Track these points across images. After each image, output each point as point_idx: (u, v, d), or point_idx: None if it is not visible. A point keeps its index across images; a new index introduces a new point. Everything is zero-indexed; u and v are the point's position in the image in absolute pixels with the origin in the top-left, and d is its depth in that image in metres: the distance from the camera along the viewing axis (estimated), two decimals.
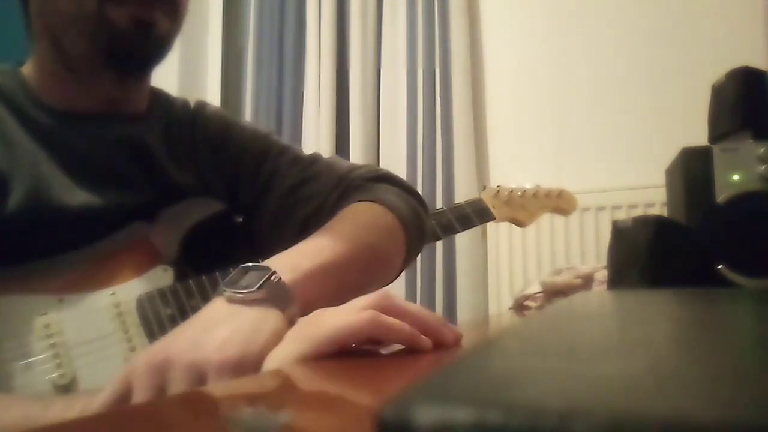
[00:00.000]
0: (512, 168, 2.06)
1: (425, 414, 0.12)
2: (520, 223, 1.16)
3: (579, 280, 0.88)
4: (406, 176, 2.09)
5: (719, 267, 0.58)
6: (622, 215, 1.81)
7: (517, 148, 2.06)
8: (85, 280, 0.61)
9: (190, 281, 0.64)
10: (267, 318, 0.47)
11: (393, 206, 0.71)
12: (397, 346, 0.43)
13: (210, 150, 0.77)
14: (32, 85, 0.67)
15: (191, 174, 0.74)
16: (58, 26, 0.64)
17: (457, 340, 0.45)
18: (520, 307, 0.93)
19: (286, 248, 0.58)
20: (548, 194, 1.19)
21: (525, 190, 1.16)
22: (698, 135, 0.73)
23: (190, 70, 2.44)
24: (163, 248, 0.66)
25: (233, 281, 0.50)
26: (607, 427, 0.11)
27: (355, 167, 0.80)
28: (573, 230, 1.88)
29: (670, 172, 0.72)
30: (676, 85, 1.82)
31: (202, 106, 0.81)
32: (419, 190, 1.66)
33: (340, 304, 0.45)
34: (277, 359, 0.43)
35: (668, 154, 0.71)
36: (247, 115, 2.40)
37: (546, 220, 1.62)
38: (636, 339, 0.22)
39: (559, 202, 1.21)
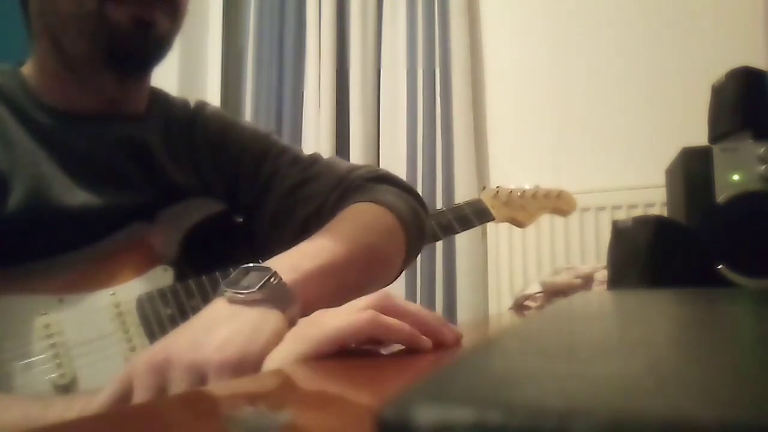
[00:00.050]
0: (512, 168, 2.06)
1: (425, 414, 0.12)
2: (519, 224, 1.16)
3: (579, 280, 0.88)
4: (406, 176, 2.09)
5: (719, 267, 0.58)
6: (622, 215, 1.81)
7: (516, 148, 2.06)
8: (85, 280, 0.61)
9: (190, 281, 0.64)
10: (267, 318, 0.47)
11: (393, 207, 0.71)
12: (397, 346, 0.43)
13: (210, 150, 0.77)
14: (32, 85, 0.67)
15: (191, 174, 0.74)
16: (58, 26, 0.63)
17: (457, 340, 0.45)
18: (520, 307, 0.93)
19: (286, 248, 0.58)
20: (547, 195, 1.19)
21: (524, 191, 1.16)
22: (698, 135, 0.73)
23: (190, 70, 2.44)
24: (163, 248, 0.66)
25: (234, 282, 0.50)
26: (607, 427, 0.11)
27: (355, 167, 0.80)
28: (573, 230, 1.88)
29: (670, 172, 0.73)
30: (676, 85, 1.82)
31: (202, 106, 0.81)
32: (419, 190, 1.66)
33: (340, 305, 0.45)
34: (278, 359, 0.43)
35: (668, 154, 0.71)
36: (247, 115, 2.40)
37: (546, 220, 1.62)
38: (636, 339, 0.22)
39: (558, 203, 1.21)
